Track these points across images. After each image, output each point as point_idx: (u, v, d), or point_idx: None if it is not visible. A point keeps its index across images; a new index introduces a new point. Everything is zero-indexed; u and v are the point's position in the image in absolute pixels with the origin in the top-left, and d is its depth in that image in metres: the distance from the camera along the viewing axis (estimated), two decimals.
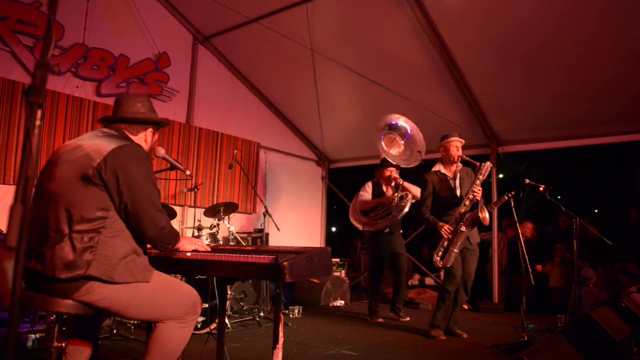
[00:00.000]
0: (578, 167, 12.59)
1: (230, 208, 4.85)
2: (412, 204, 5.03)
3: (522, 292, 4.26)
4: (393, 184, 5.19)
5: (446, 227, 4.08)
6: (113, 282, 1.87)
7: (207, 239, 4.44)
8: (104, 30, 5.26)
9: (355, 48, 5.81)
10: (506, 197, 4.22)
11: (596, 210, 11.34)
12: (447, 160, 4.37)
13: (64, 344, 2.29)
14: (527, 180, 4.33)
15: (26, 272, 1.83)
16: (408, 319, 5.22)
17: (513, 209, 4.21)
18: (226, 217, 4.86)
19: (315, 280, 6.21)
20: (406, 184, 5.11)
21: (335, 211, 10.06)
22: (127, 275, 1.90)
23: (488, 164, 4.13)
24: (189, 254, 2.22)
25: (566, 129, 5.92)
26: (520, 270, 4.12)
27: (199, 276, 4.02)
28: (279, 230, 5.53)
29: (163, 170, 3.21)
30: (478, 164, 4.13)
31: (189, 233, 5.18)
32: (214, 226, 4.72)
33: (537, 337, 4.17)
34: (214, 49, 6.54)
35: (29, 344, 3.32)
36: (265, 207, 5.54)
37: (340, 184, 8.47)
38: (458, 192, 4.27)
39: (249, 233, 6.16)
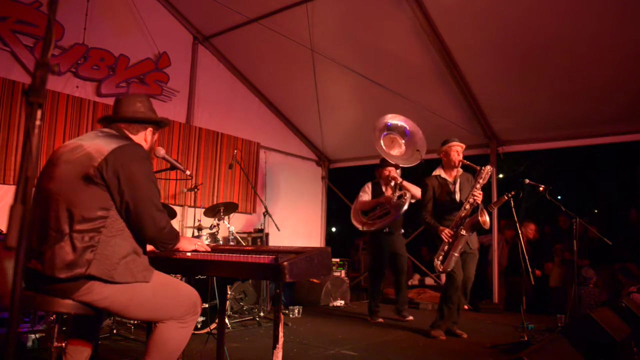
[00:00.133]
0: (578, 167, 12.58)
1: (230, 208, 4.86)
2: (411, 204, 5.02)
3: (522, 292, 4.26)
4: (392, 183, 5.19)
5: (447, 231, 4.09)
6: (113, 282, 1.87)
7: (207, 239, 4.44)
8: (104, 30, 5.25)
9: (355, 48, 5.81)
10: (506, 197, 4.22)
11: (596, 210, 11.34)
12: (448, 165, 4.39)
13: (64, 344, 2.29)
14: (527, 180, 4.33)
15: (26, 272, 1.83)
16: (411, 318, 5.22)
17: (513, 209, 4.21)
18: (226, 217, 4.86)
19: (315, 280, 6.21)
20: (405, 183, 5.10)
21: (335, 211, 10.04)
22: (127, 275, 1.91)
23: (488, 167, 4.14)
24: (189, 254, 2.22)
25: (566, 129, 5.92)
26: (520, 270, 4.12)
27: (199, 276, 4.02)
28: (279, 230, 5.54)
29: (163, 170, 3.21)
30: (478, 167, 4.14)
31: (189, 233, 5.18)
32: (214, 226, 4.72)
33: (537, 337, 4.17)
34: (214, 49, 6.54)
35: (29, 344, 3.32)
36: (265, 207, 5.55)
37: (340, 184, 8.47)
38: (457, 197, 4.27)
39: (249, 233, 6.15)
